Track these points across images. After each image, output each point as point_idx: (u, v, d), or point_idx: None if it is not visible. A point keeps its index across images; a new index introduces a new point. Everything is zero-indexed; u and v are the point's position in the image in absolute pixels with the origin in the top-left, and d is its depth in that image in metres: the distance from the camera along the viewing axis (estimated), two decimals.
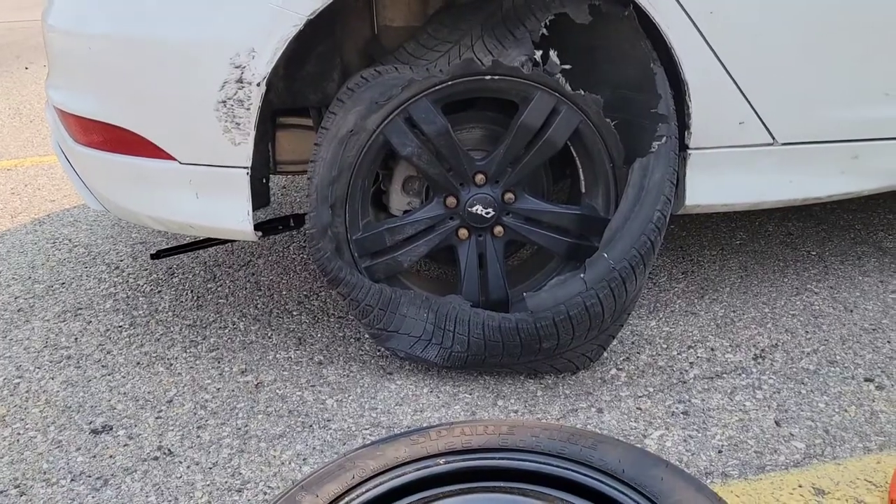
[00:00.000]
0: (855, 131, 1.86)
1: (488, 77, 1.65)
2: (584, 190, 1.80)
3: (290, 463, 1.56)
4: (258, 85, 1.59)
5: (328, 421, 1.69)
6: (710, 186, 1.83)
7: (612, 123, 1.71)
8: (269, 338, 2.02)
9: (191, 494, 1.48)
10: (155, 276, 2.38)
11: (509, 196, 1.77)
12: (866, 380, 1.77)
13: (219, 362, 1.91)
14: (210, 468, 1.55)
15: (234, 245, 2.55)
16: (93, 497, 1.48)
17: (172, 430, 1.67)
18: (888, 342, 1.92)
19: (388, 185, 1.85)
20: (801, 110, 1.81)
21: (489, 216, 1.76)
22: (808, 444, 1.56)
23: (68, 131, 1.85)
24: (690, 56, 1.68)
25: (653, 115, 1.69)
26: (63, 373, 1.89)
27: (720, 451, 1.55)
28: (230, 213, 1.71)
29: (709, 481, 1.47)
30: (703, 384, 1.77)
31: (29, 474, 1.55)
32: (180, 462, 1.57)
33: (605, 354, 1.88)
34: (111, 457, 1.59)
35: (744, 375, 1.80)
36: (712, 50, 1.68)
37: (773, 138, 1.81)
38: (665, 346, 1.93)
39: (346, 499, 1.14)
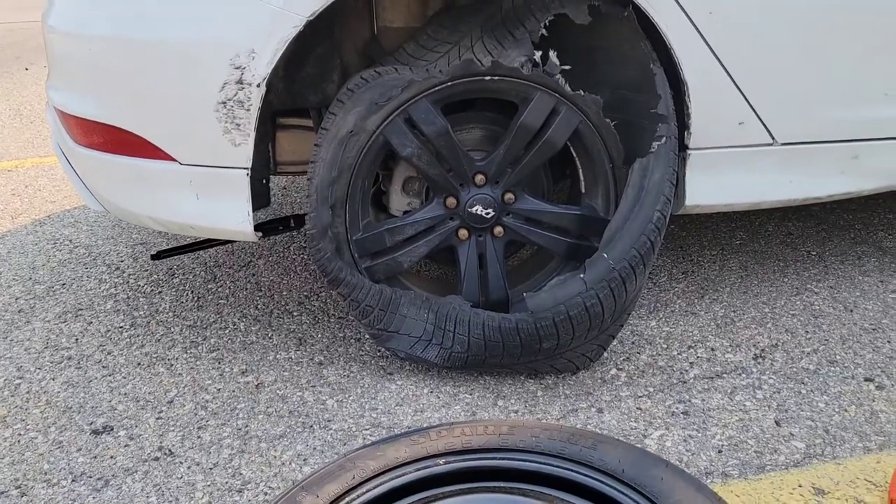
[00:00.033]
0: (855, 131, 1.86)
1: (488, 78, 1.65)
2: (583, 190, 1.80)
3: (290, 463, 1.56)
4: (258, 86, 1.60)
5: (329, 421, 1.69)
6: (709, 186, 1.83)
7: (611, 124, 1.71)
8: (270, 338, 2.02)
9: (191, 495, 1.48)
10: (155, 276, 2.38)
11: (509, 196, 1.77)
12: (866, 379, 1.77)
13: (219, 363, 1.92)
14: (211, 469, 1.55)
15: (234, 246, 2.55)
16: (94, 498, 1.49)
17: (173, 430, 1.67)
18: (888, 342, 1.92)
19: (388, 186, 1.85)
20: (801, 110, 1.81)
21: (489, 216, 1.76)
22: (808, 444, 1.57)
23: (69, 132, 1.85)
24: (690, 56, 1.68)
25: (652, 115, 1.69)
26: (64, 373, 1.89)
27: (720, 451, 1.55)
28: (230, 213, 1.71)
29: (709, 481, 1.47)
30: (704, 384, 1.77)
31: (30, 475, 1.55)
32: (181, 463, 1.57)
33: (606, 354, 1.88)
34: (112, 457, 1.60)
35: (744, 375, 1.80)
36: (712, 50, 1.68)
37: (773, 138, 1.81)
38: (665, 346, 1.93)
39: (347, 499, 1.14)
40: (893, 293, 2.15)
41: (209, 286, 2.31)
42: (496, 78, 1.65)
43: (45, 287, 2.34)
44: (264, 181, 1.86)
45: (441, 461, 1.20)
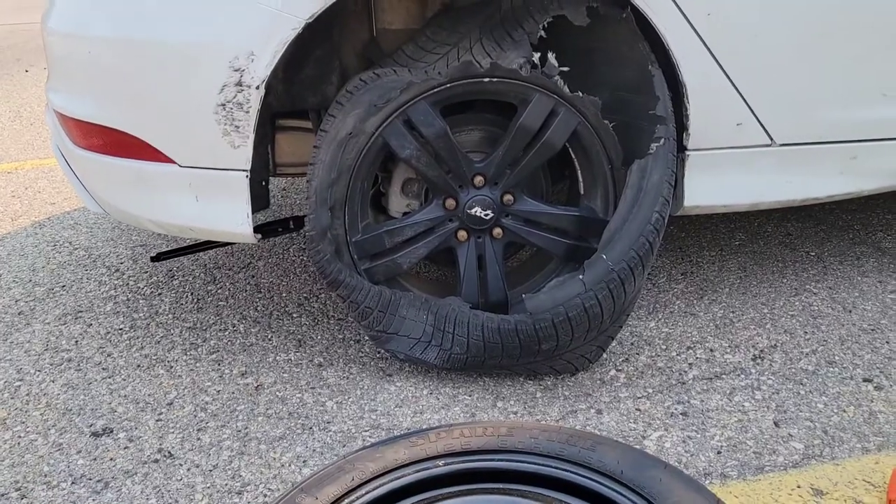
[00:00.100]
0: (853, 132, 1.87)
1: (487, 79, 1.65)
2: (582, 191, 1.80)
3: (290, 465, 1.57)
4: (257, 88, 1.60)
5: (328, 423, 1.69)
6: (708, 187, 1.84)
7: (610, 125, 1.72)
8: (269, 340, 2.02)
9: (191, 497, 1.49)
10: (155, 278, 2.38)
11: (508, 198, 1.77)
12: (865, 380, 1.77)
13: (219, 364, 1.92)
14: (210, 470, 1.56)
15: (233, 247, 2.55)
16: (93, 500, 1.49)
17: (173, 432, 1.67)
18: (887, 342, 1.92)
19: (387, 188, 1.85)
20: (799, 111, 1.81)
21: (488, 218, 1.76)
22: (807, 445, 1.57)
23: (68, 135, 1.86)
24: (688, 58, 1.68)
25: (651, 116, 1.69)
26: (63, 375, 1.89)
27: (719, 452, 1.55)
28: (230, 215, 1.71)
29: (708, 482, 1.48)
30: (702, 385, 1.78)
31: (30, 477, 1.55)
32: (181, 464, 1.58)
33: (605, 356, 1.88)
34: (112, 459, 1.60)
35: (743, 376, 1.80)
36: (710, 52, 1.68)
37: (772, 139, 1.81)
38: (664, 347, 1.94)
39: (346, 501, 1.15)
40: (892, 294, 2.15)
41: (209, 288, 2.31)
42: (495, 80, 1.65)
43: (45, 289, 2.34)
44: (264, 183, 1.87)
45: (440, 463, 1.21)
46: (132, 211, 1.83)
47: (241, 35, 1.58)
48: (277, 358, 1.94)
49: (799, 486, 1.46)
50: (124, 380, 1.87)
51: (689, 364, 1.86)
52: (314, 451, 1.61)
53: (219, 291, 2.29)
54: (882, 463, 1.51)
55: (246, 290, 2.29)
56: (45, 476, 1.56)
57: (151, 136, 1.69)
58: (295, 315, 2.14)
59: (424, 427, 1.66)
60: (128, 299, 2.26)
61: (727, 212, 1.94)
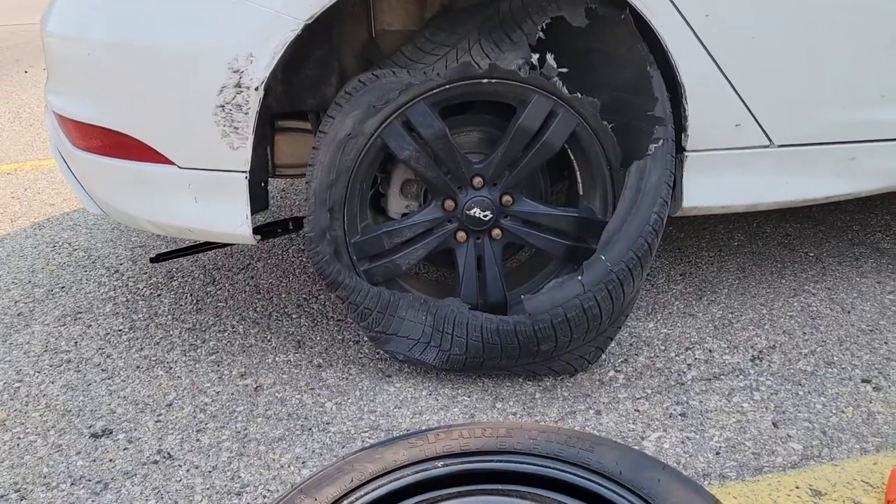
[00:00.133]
0: (851, 133, 1.87)
1: (485, 80, 1.66)
2: (581, 192, 1.80)
3: (289, 466, 1.57)
4: (256, 89, 1.60)
5: (327, 424, 1.69)
6: (707, 188, 1.84)
7: (608, 126, 1.72)
8: (269, 341, 2.02)
9: (190, 498, 1.49)
10: (154, 279, 2.38)
11: (507, 199, 1.77)
12: (863, 381, 1.78)
13: (218, 366, 1.92)
14: (209, 472, 1.56)
15: (233, 248, 2.55)
16: (93, 501, 1.49)
17: (172, 433, 1.68)
18: (885, 343, 1.92)
19: (386, 189, 1.86)
20: (798, 112, 1.82)
21: (487, 219, 1.77)
22: (806, 446, 1.57)
23: (67, 136, 1.86)
24: (687, 59, 1.68)
25: (649, 117, 1.69)
26: (63, 377, 1.89)
27: (718, 453, 1.56)
28: (229, 216, 1.72)
29: (706, 483, 1.48)
30: (701, 386, 1.78)
31: (29, 478, 1.56)
32: (180, 466, 1.58)
33: (603, 356, 1.88)
34: (111, 461, 1.60)
35: (741, 377, 1.80)
36: (708, 53, 1.68)
37: (770, 140, 1.81)
38: (663, 347, 1.94)
39: (345, 502, 1.15)
40: (890, 294, 2.15)
41: (208, 289, 2.31)
42: (493, 81, 1.66)
43: (45, 290, 2.34)
44: (263, 184, 1.87)
45: (439, 464, 1.21)
46: (131, 212, 1.83)
47: (240, 36, 1.59)
48: (277, 359, 1.94)
49: (797, 487, 1.46)
50: (123, 381, 1.87)
51: (688, 365, 1.86)
52: (313, 452, 1.61)
53: (218, 292, 2.29)
54: (880, 464, 1.51)
55: (245, 292, 2.29)
56: (45, 477, 1.56)
57: (151, 138, 1.69)
58: (294, 316, 2.15)
59: (423, 428, 1.66)
60: (127, 300, 2.26)
61: (726, 213, 1.94)
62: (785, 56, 1.75)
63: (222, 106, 1.61)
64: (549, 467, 1.19)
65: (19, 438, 1.68)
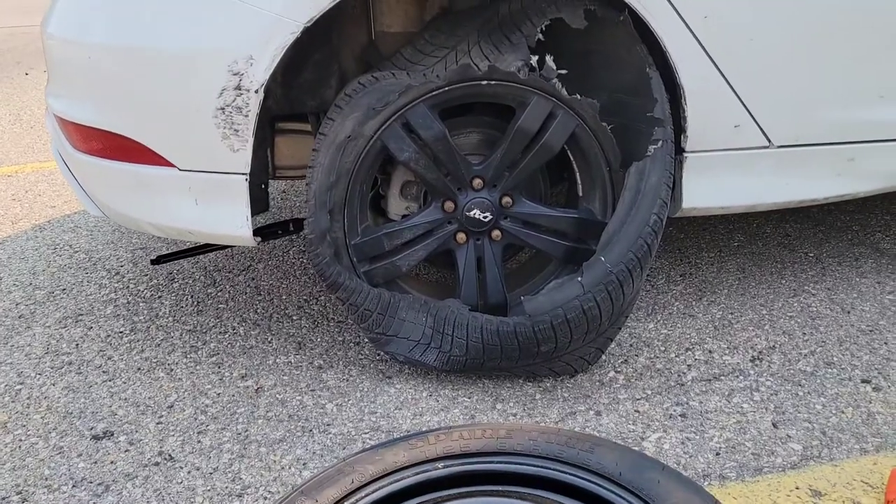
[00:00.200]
0: (850, 134, 1.87)
1: (485, 82, 1.66)
2: (581, 194, 1.81)
3: (290, 468, 1.57)
4: (256, 92, 1.60)
5: (328, 425, 1.69)
6: (706, 189, 1.84)
7: (608, 127, 1.72)
8: (269, 342, 2.03)
9: (191, 499, 1.49)
10: (155, 281, 2.39)
11: (507, 200, 1.77)
12: (863, 381, 1.78)
13: (219, 367, 1.92)
14: (211, 473, 1.56)
15: (233, 250, 2.56)
16: (94, 503, 1.49)
17: (173, 435, 1.68)
18: (885, 343, 1.92)
19: (386, 190, 1.86)
20: (797, 113, 1.82)
21: (487, 220, 1.77)
22: (806, 446, 1.57)
23: (68, 139, 1.86)
24: (686, 60, 1.68)
25: (649, 118, 1.69)
26: (64, 379, 1.90)
27: (718, 454, 1.56)
28: (229, 218, 1.72)
29: (706, 483, 1.48)
30: (701, 386, 1.78)
31: (31, 480, 1.56)
32: (181, 467, 1.58)
33: (603, 357, 1.89)
34: (112, 462, 1.60)
35: (741, 377, 1.81)
36: (707, 54, 1.69)
37: (769, 141, 1.82)
38: (663, 348, 1.94)
39: (346, 503, 1.15)
40: (890, 295, 2.15)
41: (209, 291, 2.31)
42: (493, 82, 1.66)
43: (46, 292, 2.35)
44: (263, 186, 1.87)
45: (439, 465, 1.21)
46: (132, 214, 1.84)
47: (239, 39, 1.59)
48: (277, 360, 1.94)
49: (797, 488, 1.46)
50: (125, 383, 1.87)
51: (688, 365, 1.86)
52: (314, 453, 1.61)
53: (219, 294, 2.29)
54: (880, 464, 1.51)
55: (246, 293, 2.29)
56: (46, 479, 1.56)
57: (151, 140, 1.69)
58: (295, 317, 2.15)
59: (424, 429, 1.66)
60: (128, 302, 2.26)
61: (725, 213, 1.94)
62: (784, 57, 1.75)
63: (222, 108, 1.61)
64: (550, 468, 1.20)
65: (21, 440, 1.68)
